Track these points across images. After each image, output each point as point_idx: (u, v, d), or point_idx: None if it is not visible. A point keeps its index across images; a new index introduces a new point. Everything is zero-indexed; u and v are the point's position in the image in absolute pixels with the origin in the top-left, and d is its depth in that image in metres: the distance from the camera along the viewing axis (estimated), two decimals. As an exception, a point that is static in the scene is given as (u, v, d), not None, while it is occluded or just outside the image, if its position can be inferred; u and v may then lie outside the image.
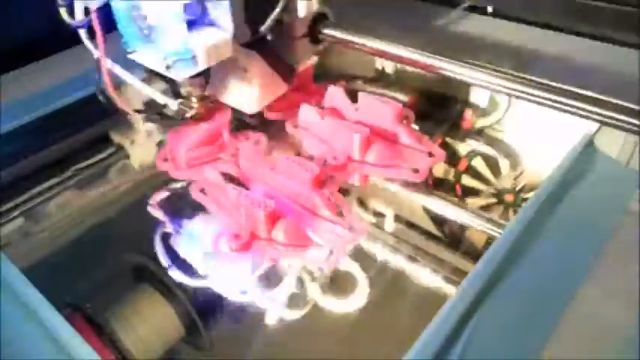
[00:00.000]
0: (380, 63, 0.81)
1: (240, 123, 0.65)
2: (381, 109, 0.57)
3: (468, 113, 0.75)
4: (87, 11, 0.49)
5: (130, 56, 0.50)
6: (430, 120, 0.75)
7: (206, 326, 0.58)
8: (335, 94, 0.60)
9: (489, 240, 0.62)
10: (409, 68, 0.76)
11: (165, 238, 0.60)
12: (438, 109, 0.76)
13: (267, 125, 0.66)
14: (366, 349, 0.58)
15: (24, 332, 0.41)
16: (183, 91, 0.55)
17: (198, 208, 0.57)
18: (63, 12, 0.49)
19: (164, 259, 0.58)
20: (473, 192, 0.77)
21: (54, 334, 0.40)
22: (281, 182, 0.52)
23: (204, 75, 0.53)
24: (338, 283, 0.62)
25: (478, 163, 0.76)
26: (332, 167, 0.54)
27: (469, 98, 0.75)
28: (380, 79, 0.82)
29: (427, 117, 0.75)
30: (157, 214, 0.59)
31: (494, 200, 0.74)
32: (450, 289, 0.61)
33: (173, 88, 0.55)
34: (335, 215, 0.49)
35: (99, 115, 0.73)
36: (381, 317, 0.60)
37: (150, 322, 0.56)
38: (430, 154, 0.56)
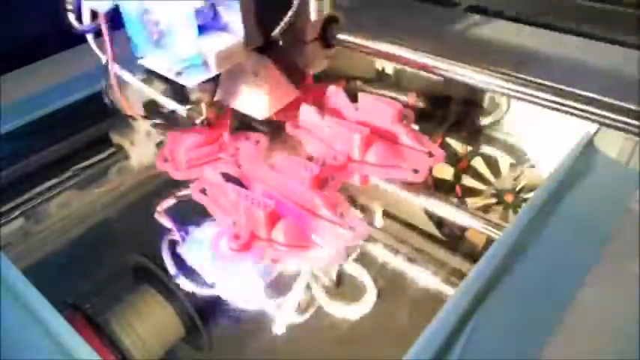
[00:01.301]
0: (380, 63, 0.81)
1: (243, 124, 0.65)
2: (381, 109, 0.57)
3: (468, 113, 0.75)
4: (94, 15, 0.48)
5: (140, 62, 0.50)
6: (430, 120, 0.76)
7: (206, 326, 0.58)
8: (335, 94, 0.60)
9: (489, 240, 0.62)
10: (409, 69, 0.76)
11: (173, 245, 0.60)
12: (438, 109, 0.76)
13: (271, 126, 0.67)
14: (366, 349, 0.58)
15: (24, 332, 0.41)
16: (192, 96, 0.54)
17: (204, 215, 0.56)
18: (71, 17, 0.48)
19: (171, 268, 0.57)
20: (473, 192, 0.77)
21: (54, 334, 0.40)
22: (281, 182, 0.52)
23: (214, 80, 0.53)
24: (345, 289, 0.62)
25: (478, 163, 0.76)
26: (332, 167, 0.54)
27: (469, 98, 0.75)
28: (380, 79, 0.82)
29: (427, 117, 0.75)
30: (164, 221, 0.59)
31: (494, 200, 0.74)
32: (449, 290, 0.61)
33: (182, 94, 0.55)
34: (335, 216, 0.49)
35: (99, 116, 0.73)
36: (381, 317, 0.60)
37: (150, 322, 0.56)
38: (430, 155, 0.56)
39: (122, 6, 0.48)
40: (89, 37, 0.50)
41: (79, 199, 0.68)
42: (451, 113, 0.76)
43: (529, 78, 0.51)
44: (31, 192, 0.65)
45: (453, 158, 0.77)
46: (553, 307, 0.42)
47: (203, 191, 0.56)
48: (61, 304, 0.43)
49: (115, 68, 0.51)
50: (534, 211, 0.49)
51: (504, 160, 0.73)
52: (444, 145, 0.76)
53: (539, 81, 0.50)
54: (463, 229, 0.73)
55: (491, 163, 0.74)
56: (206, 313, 0.58)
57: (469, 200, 0.77)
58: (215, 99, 0.57)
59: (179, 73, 0.47)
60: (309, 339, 0.61)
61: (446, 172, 0.80)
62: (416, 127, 0.63)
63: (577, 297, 0.42)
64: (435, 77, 0.63)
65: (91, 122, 0.72)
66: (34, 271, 0.48)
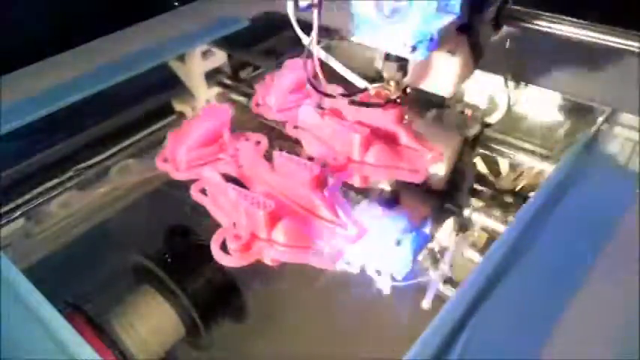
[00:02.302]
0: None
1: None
2: (381, 109, 0.57)
3: (469, 114, 0.75)
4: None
5: (354, 39, 0.51)
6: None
7: (206, 326, 0.58)
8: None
9: (489, 241, 0.62)
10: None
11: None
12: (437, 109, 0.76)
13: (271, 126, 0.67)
14: (366, 349, 0.58)
15: (24, 332, 0.41)
16: (386, 74, 0.55)
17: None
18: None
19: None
20: (473, 192, 0.77)
21: (54, 335, 0.40)
22: (281, 183, 0.52)
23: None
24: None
25: (478, 164, 0.75)
26: (332, 168, 0.54)
27: (469, 98, 0.75)
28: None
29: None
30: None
31: (494, 200, 0.74)
32: (449, 290, 0.61)
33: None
34: (335, 216, 0.49)
35: (99, 116, 0.73)
36: (381, 317, 0.60)
37: (150, 322, 0.56)
38: (430, 155, 0.56)
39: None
40: (293, 18, 0.50)
41: (79, 200, 0.69)
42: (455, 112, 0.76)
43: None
44: (31, 192, 0.65)
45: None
46: (553, 307, 0.42)
47: (203, 191, 0.56)
48: (61, 304, 0.43)
49: (318, 49, 0.52)
50: (534, 211, 0.49)
51: (504, 160, 0.73)
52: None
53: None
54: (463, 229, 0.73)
55: (491, 163, 0.74)
56: (206, 313, 0.58)
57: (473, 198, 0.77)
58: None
59: (414, 48, 0.47)
60: (309, 339, 0.61)
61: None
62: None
63: (577, 297, 0.42)
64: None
65: (91, 123, 0.72)
66: (34, 271, 0.48)
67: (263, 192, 0.52)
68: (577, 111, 0.67)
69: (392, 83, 0.55)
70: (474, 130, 0.61)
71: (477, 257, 0.59)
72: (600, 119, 0.62)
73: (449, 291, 0.56)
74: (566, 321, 0.41)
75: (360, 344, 0.59)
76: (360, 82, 0.54)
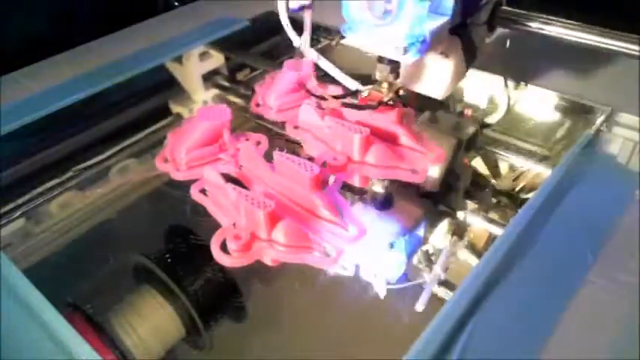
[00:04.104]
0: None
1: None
2: (381, 109, 0.57)
3: (468, 113, 0.75)
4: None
5: (345, 41, 0.51)
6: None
7: (206, 326, 0.58)
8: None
9: (489, 241, 0.62)
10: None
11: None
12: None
13: (271, 126, 0.67)
14: (366, 349, 0.58)
15: (24, 332, 0.41)
16: (378, 76, 0.54)
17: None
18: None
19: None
20: (470, 193, 0.77)
21: (54, 334, 0.40)
22: (281, 183, 0.52)
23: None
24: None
25: (478, 164, 0.76)
26: (332, 168, 0.54)
27: (469, 99, 0.75)
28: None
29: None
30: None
31: (494, 200, 0.74)
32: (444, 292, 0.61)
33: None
34: (335, 216, 0.49)
35: (99, 116, 0.73)
36: (381, 318, 0.60)
37: (150, 322, 0.56)
38: (430, 155, 0.56)
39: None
40: (284, 20, 0.51)
41: (79, 200, 0.69)
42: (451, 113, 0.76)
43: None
44: (31, 192, 0.65)
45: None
46: (553, 307, 0.42)
47: (203, 191, 0.56)
48: (61, 304, 0.43)
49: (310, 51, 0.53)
50: (534, 211, 0.49)
51: (504, 160, 0.73)
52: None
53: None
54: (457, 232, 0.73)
55: (491, 164, 0.74)
56: (206, 313, 0.58)
57: (469, 200, 0.77)
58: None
59: (406, 50, 0.47)
60: (309, 339, 0.61)
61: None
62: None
63: (577, 297, 0.42)
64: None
65: (92, 123, 0.72)
66: (34, 271, 0.48)
67: (263, 192, 0.52)
68: (577, 111, 0.67)
69: (384, 85, 0.55)
70: (469, 132, 0.60)
71: (471, 259, 0.59)
72: (600, 119, 0.62)
73: (444, 293, 0.56)
74: (566, 321, 0.41)
75: (356, 346, 0.59)
76: (351, 84, 0.53)
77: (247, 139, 0.62)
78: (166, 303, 0.57)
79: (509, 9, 0.59)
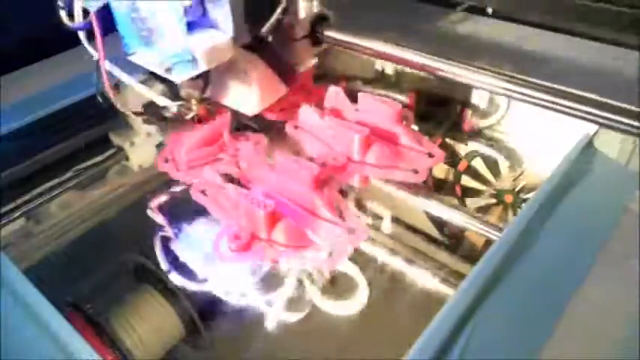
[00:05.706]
0: (380, 64, 0.81)
1: (242, 125, 0.65)
2: (381, 109, 0.57)
3: (468, 114, 0.75)
4: (86, 13, 0.49)
5: (130, 58, 0.50)
6: (430, 121, 0.76)
7: (206, 326, 0.58)
8: (335, 94, 0.60)
9: (488, 242, 0.62)
10: (409, 69, 0.77)
11: (166, 241, 0.60)
12: (437, 109, 0.76)
13: (268, 126, 0.67)
14: (366, 350, 0.58)
15: (24, 332, 0.41)
16: (183, 93, 0.55)
17: (198, 212, 0.57)
18: (63, 15, 0.49)
19: (164, 263, 0.58)
20: (472, 192, 0.77)
21: (54, 334, 0.40)
22: (281, 183, 0.52)
23: (204, 77, 0.53)
24: (338, 286, 0.62)
25: (478, 164, 0.76)
26: (332, 168, 0.54)
27: (469, 99, 0.75)
28: (380, 79, 0.82)
29: (427, 118, 0.76)
30: (157, 218, 0.59)
31: (493, 201, 0.74)
32: (449, 291, 0.61)
33: (173, 90, 0.55)
34: (335, 216, 0.49)
35: (99, 116, 0.73)
36: (381, 318, 0.60)
37: (150, 322, 0.56)
38: (430, 155, 0.56)
39: (112, 4, 0.48)
40: (82, 35, 0.50)
41: (79, 200, 0.69)
42: (451, 113, 0.76)
43: (529, 79, 0.51)
44: (31, 192, 0.65)
45: (452, 159, 0.77)
46: (553, 306, 0.42)
47: (203, 192, 0.56)
48: (61, 304, 0.43)
49: (106, 65, 0.51)
50: (534, 211, 0.49)
51: (504, 161, 0.73)
52: (444, 146, 0.76)
53: (539, 82, 0.50)
54: (463, 230, 0.73)
55: (491, 164, 0.74)
56: (206, 313, 0.58)
57: (469, 201, 0.77)
58: (206, 95, 0.57)
59: (169, 69, 0.47)
60: (309, 339, 0.61)
61: (446, 173, 0.80)
62: (415, 127, 0.63)
63: (577, 297, 0.42)
64: (434, 78, 0.63)
65: (92, 123, 0.72)
66: (34, 271, 0.48)
67: (263, 192, 0.52)
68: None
69: (193, 101, 0.55)
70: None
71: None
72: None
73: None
74: (567, 320, 0.41)
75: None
76: (160, 101, 0.53)
77: (247, 139, 0.62)
78: (166, 303, 0.57)
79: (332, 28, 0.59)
